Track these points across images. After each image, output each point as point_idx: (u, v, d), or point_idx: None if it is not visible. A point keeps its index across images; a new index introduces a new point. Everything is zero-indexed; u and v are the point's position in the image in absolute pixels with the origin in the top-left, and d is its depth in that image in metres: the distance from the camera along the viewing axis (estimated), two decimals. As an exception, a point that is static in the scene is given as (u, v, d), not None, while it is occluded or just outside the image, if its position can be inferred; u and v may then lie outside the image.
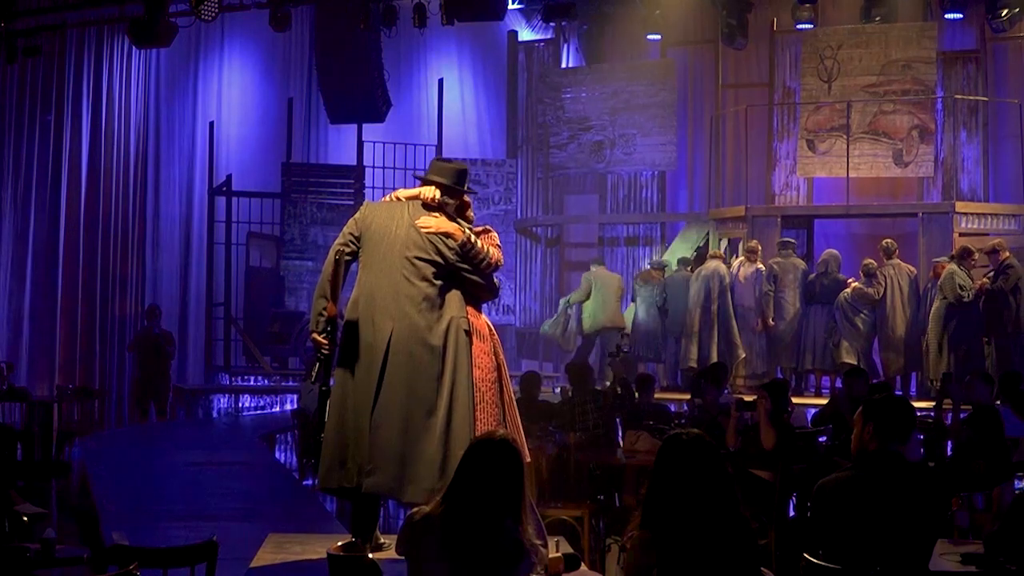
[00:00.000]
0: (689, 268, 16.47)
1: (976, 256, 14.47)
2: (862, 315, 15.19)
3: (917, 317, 14.98)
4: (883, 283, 15.07)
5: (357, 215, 6.66)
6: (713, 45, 19.27)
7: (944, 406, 10.69)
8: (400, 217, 6.53)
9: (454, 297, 6.46)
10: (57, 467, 13.05)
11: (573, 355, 16.78)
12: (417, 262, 6.41)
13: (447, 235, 6.46)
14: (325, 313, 6.47)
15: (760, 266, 15.87)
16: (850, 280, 15.38)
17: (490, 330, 6.56)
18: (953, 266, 14.40)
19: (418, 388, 6.31)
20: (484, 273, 6.55)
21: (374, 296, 6.45)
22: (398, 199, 6.64)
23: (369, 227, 6.55)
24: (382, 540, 6.52)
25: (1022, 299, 14.47)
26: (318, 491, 7.47)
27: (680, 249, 18.06)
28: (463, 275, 6.47)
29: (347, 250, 6.55)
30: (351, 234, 6.57)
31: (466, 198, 6.75)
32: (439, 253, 6.42)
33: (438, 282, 6.42)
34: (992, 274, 14.65)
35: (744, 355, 15.77)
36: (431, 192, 6.58)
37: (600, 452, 10.69)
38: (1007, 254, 14.68)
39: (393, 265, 6.44)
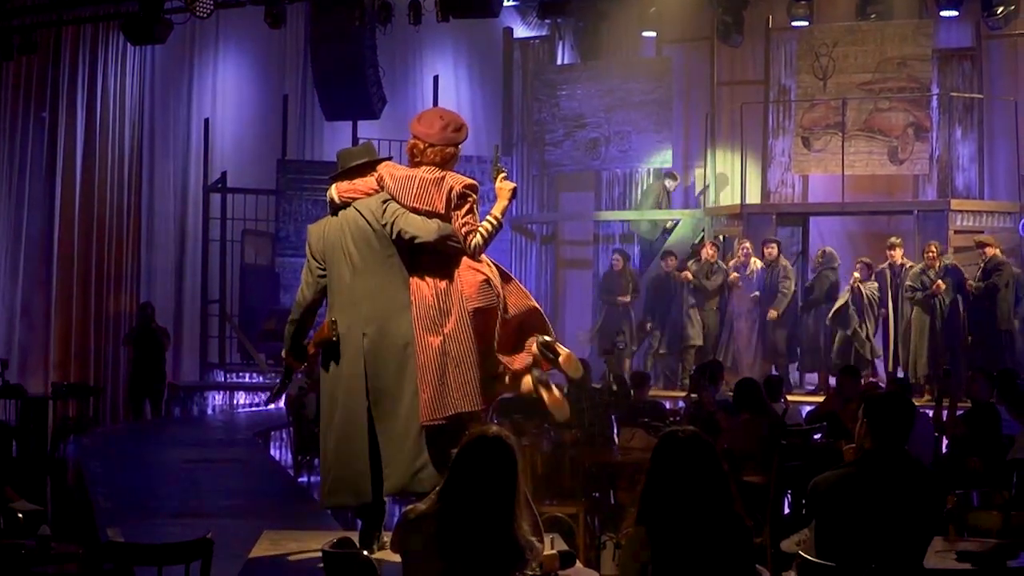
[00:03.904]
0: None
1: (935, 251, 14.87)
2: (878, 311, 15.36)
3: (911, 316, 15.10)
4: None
5: (308, 248, 6.66)
6: (709, 42, 19.26)
7: (944, 404, 10.69)
8: (340, 221, 6.53)
9: (405, 279, 6.41)
10: (52, 464, 13.05)
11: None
12: (370, 258, 6.40)
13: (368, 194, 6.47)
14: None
15: (758, 264, 16.08)
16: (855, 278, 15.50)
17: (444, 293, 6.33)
18: (916, 268, 14.90)
19: (400, 383, 6.34)
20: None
21: (344, 307, 6.45)
22: (333, 200, 6.61)
23: (319, 247, 6.57)
24: (384, 539, 6.52)
25: (1008, 295, 14.57)
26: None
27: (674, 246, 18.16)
28: (413, 247, 6.40)
29: (319, 297, 6.63)
30: (318, 268, 6.60)
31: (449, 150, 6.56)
32: (383, 237, 6.38)
33: (398, 264, 6.39)
34: (980, 273, 14.73)
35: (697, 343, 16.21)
36: (333, 193, 6.59)
37: (595, 449, 10.70)
38: (993, 251, 14.76)
39: (352, 274, 6.44)
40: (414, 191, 6.38)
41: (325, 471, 6.53)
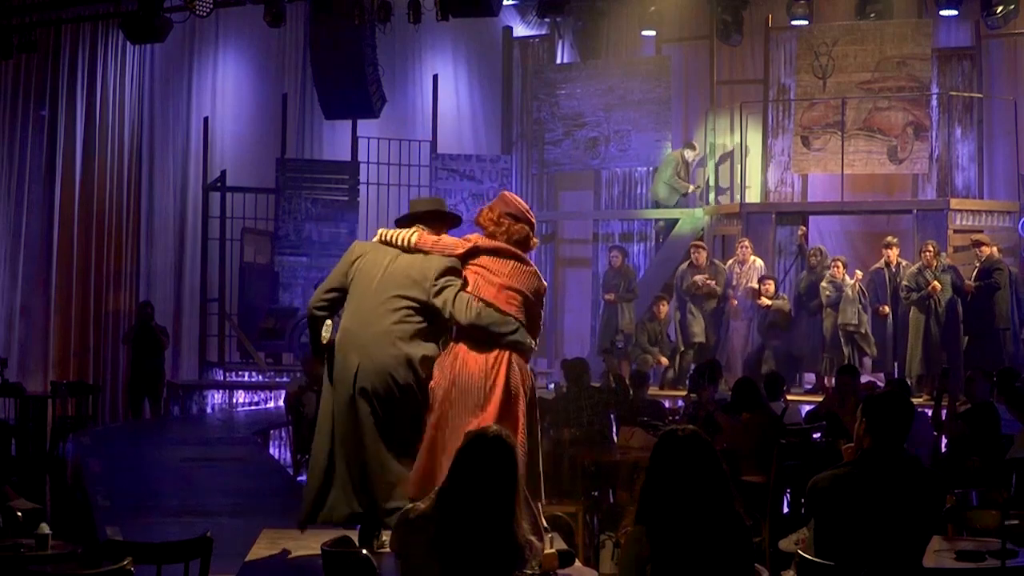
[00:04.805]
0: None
1: (932, 251, 14.77)
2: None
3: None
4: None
5: (346, 256, 6.82)
6: (708, 41, 19.24)
7: (943, 404, 10.68)
8: (390, 255, 6.65)
9: (430, 335, 6.56)
10: (51, 462, 13.05)
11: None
12: (395, 299, 6.53)
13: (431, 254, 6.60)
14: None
15: (757, 262, 16.12)
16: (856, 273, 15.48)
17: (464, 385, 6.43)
18: (913, 268, 14.87)
19: (382, 422, 6.45)
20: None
21: (349, 331, 6.61)
22: (391, 241, 6.71)
23: (356, 265, 6.70)
24: (384, 538, 6.53)
25: (1006, 294, 14.56)
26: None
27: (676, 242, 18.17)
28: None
29: (323, 306, 6.75)
30: (333, 289, 6.73)
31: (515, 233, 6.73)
32: (419, 291, 6.52)
33: (417, 319, 6.52)
34: (977, 272, 14.73)
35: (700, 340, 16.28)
36: (408, 235, 6.69)
37: (594, 448, 10.69)
38: (990, 250, 14.75)
39: (371, 302, 6.58)
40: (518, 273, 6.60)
41: (324, 484, 6.53)
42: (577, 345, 18.74)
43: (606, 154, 19.06)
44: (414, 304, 6.52)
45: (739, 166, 18.38)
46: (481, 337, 6.43)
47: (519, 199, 6.81)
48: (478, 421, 6.22)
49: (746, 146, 18.32)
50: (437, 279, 6.50)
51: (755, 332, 16.06)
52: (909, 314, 14.90)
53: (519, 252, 6.64)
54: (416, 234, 6.66)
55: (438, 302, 6.49)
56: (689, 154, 18.52)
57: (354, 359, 6.48)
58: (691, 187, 18.44)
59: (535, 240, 6.78)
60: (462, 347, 6.46)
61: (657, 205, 18.83)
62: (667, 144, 18.64)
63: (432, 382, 6.46)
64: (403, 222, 6.88)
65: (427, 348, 6.53)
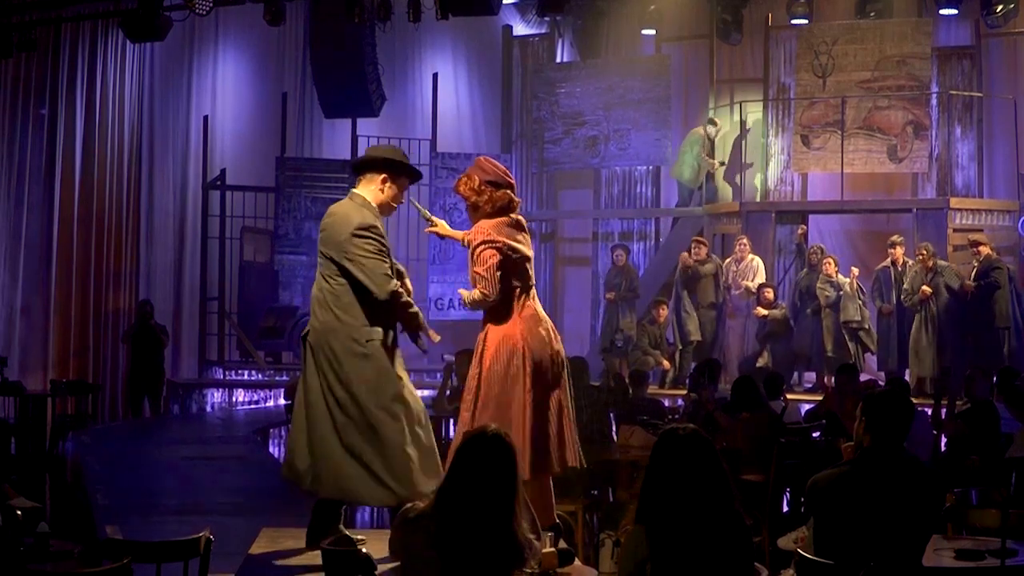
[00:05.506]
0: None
1: (925, 254, 14.82)
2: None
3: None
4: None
5: None
6: (708, 40, 19.23)
7: (943, 402, 10.69)
8: (333, 211, 6.56)
9: (363, 301, 6.37)
10: (51, 461, 13.05)
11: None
12: (323, 264, 6.45)
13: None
14: None
15: (755, 260, 16.12)
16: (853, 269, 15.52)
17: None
18: (913, 270, 14.91)
19: (330, 397, 6.38)
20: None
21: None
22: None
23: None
24: (345, 531, 6.51)
25: (1006, 293, 14.56)
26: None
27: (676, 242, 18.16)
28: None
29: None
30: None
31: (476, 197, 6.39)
32: (336, 250, 6.38)
33: (341, 281, 6.38)
34: (976, 272, 14.73)
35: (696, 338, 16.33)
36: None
37: (594, 447, 10.68)
38: (987, 249, 14.75)
39: (319, 264, 6.54)
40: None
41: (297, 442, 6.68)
42: (577, 344, 18.71)
43: (606, 153, 19.05)
44: (335, 264, 6.37)
45: (739, 164, 18.37)
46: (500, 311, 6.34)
47: (496, 163, 6.46)
48: (560, 395, 6.33)
49: (745, 145, 18.33)
50: (352, 238, 6.30)
51: (751, 332, 16.09)
52: (910, 314, 14.92)
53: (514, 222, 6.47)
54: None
55: (352, 269, 6.31)
56: (711, 130, 18.45)
57: (309, 327, 6.50)
58: (715, 163, 18.40)
59: (517, 200, 6.45)
60: (516, 327, 6.32)
61: (681, 187, 18.83)
62: (667, 143, 18.64)
63: (483, 370, 6.19)
64: (359, 167, 6.66)
65: (357, 316, 6.31)
